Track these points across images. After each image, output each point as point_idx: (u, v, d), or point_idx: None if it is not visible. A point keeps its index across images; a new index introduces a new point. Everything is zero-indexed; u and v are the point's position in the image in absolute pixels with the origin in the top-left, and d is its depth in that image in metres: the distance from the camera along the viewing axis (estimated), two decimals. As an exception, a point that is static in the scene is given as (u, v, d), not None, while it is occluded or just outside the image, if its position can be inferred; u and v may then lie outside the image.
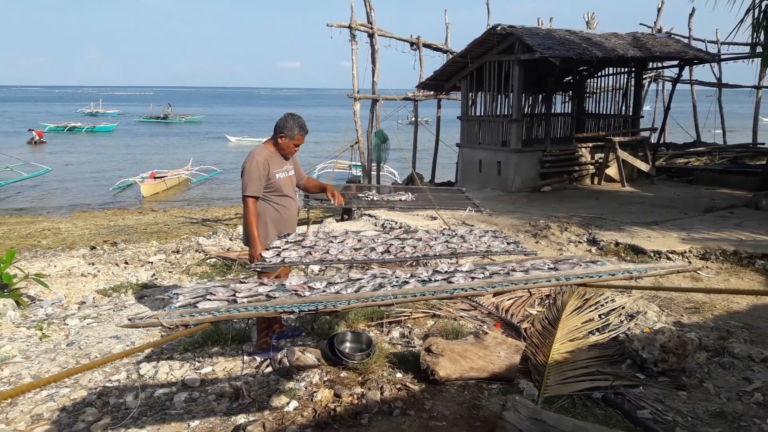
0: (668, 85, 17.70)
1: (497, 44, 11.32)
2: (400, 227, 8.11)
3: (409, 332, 4.87)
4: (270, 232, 4.26)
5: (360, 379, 4.00)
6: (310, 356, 4.18)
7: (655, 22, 17.67)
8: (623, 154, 11.92)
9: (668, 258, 6.70)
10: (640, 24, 20.30)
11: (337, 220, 10.31)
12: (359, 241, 3.69)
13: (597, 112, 13.86)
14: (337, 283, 2.72)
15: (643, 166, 12.34)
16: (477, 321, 5.05)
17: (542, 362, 4.17)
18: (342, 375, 4.05)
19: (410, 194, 5.40)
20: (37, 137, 33.83)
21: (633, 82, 13.13)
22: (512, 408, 3.21)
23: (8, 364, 4.46)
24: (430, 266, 2.94)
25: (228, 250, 8.15)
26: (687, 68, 14.00)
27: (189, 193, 19.64)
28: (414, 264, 4.11)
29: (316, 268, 6.29)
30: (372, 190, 5.71)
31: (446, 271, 2.84)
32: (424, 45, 14.53)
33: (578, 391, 3.80)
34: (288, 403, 3.69)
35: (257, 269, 3.83)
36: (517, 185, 11.32)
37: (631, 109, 13.14)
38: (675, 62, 12.66)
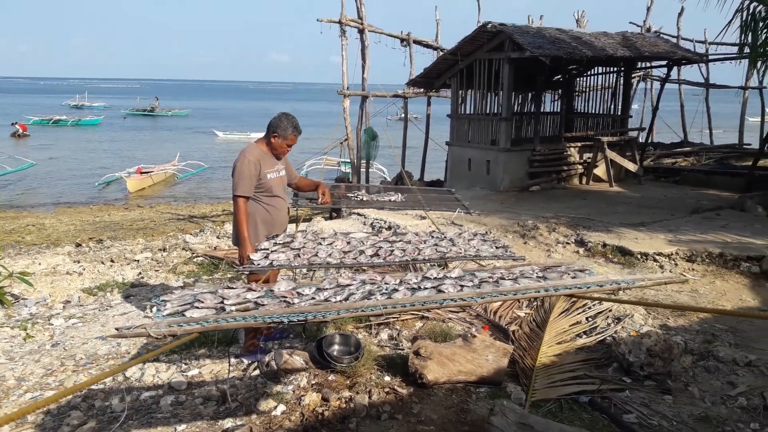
0: (656, 84, 17.81)
1: (487, 42, 11.32)
2: (389, 227, 8.09)
3: (398, 334, 4.87)
4: (260, 233, 4.23)
5: (348, 382, 3.98)
6: (298, 359, 4.15)
7: (644, 21, 17.76)
8: (611, 154, 11.98)
9: (655, 260, 6.75)
10: (630, 23, 20.44)
11: (326, 219, 10.27)
12: (348, 243, 3.66)
13: (586, 111, 13.92)
14: (327, 289, 2.70)
15: (631, 167, 12.41)
16: (465, 323, 5.05)
17: (530, 365, 4.18)
18: (330, 378, 4.04)
19: (399, 195, 5.39)
20: (20, 130, 33.27)
21: (622, 82, 13.19)
22: (500, 413, 3.22)
23: (-9, 365, 4.40)
24: (420, 273, 2.93)
25: (215, 248, 8.09)
26: (675, 68, 14.08)
27: (175, 188, 19.48)
28: (403, 268, 4.10)
29: (304, 269, 6.25)
30: (361, 190, 5.69)
31: (436, 278, 2.84)
32: (415, 41, 14.50)
33: (565, 395, 3.82)
34: (275, 407, 3.67)
35: (245, 272, 3.80)
36: (506, 184, 11.34)
37: (619, 108, 13.21)
38: (664, 62, 12.74)
